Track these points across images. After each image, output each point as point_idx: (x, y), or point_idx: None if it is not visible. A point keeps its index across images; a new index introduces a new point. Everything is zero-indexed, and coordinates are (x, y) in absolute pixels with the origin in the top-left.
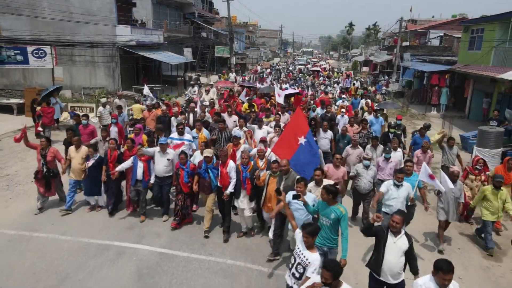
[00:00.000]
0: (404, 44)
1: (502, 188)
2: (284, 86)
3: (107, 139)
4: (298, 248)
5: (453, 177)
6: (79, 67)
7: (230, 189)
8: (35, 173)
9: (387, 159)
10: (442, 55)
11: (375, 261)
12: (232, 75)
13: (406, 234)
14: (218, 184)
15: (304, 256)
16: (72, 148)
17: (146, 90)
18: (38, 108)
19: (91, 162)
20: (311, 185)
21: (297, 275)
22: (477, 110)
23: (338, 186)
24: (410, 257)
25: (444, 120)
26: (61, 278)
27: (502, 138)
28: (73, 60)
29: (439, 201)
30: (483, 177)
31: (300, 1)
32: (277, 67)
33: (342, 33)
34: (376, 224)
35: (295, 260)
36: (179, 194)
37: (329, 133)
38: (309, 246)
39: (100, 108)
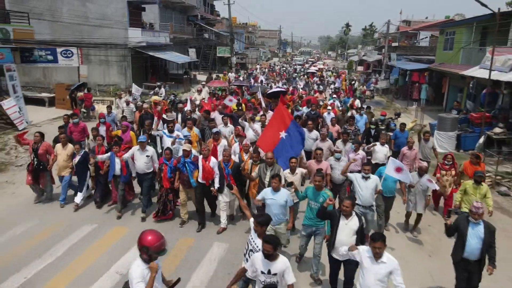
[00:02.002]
0: (394, 44)
1: (482, 183)
2: (275, 85)
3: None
4: (251, 236)
5: (421, 172)
6: (94, 66)
7: (216, 184)
8: (27, 165)
9: (354, 151)
10: (429, 55)
11: (330, 241)
12: (231, 75)
13: (357, 215)
14: (200, 180)
15: (255, 244)
16: (59, 145)
17: (134, 88)
18: (80, 94)
19: (77, 159)
20: (286, 172)
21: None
22: (453, 104)
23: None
24: (360, 234)
25: (417, 111)
26: (106, 220)
27: (457, 123)
28: (89, 60)
29: (408, 193)
30: (453, 172)
31: (300, 1)
32: (275, 67)
33: (341, 33)
34: (327, 206)
35: (248, 247)
36: (162, 188)
37: (314, 133)
38: (260, 235)
39: (124, 105)
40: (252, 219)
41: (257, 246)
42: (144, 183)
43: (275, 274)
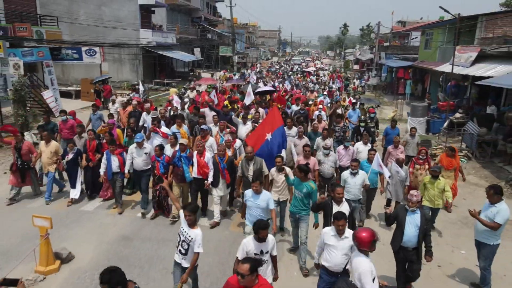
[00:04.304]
0: (386, 44)
1: (439, 178)
2: (271, 84)
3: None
4: (182, 228)
5: (399, 164)
6: (109, 64)
7: (210, 178)
8: (10, 165)
9: (346, 147)
10: (417, 54)
11: (325, 227)
12: (226, 74)
13: (347, 201)
14: (196, 175)
15: (188, 234)
16: (42, 143)
17: (141, 86)
18: (101, 86)
19: (70, 156)
20: (273, 171)
21: (183, 251)
22: (434, 97)
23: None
24: (351, 218)
25: (397, 103)
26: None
27: (426, 111)
28: (104, 58)
29: (388, 183)
30: (427, 166)
31: (300, 3)
32: (274, 66)
33: (340, 33)
34: (320, 203)
35: (180, 238)
36: (157, 185)
37: (294, 130)
38: (191, 224)
39: (110, 104)
40: (182, 211)
41: (190, 236)
42: (142, 179)
43: (267, 252)
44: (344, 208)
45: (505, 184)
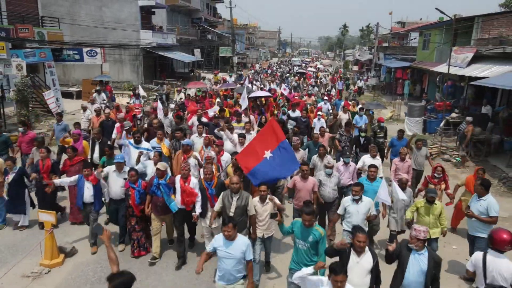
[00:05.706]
0: (385, 45)
1: (436, 202)
2: (267, 86)
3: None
4: None
5: (402, 185)
6: (109, 65)
7: (198, 209)
8: None
9: (346, 164)
10: (416, 54)
11: None
12: (221, 74)
13: (370, 251)
14: (179, 205)
15: None
16: None
17: (141, 91)
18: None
19: (11, 177)
20: (255, 200)
21: None
22: (431, 97)
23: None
24: (375, 272)
25: (394, 103)
26: None
27: (423, 110)
28: (104, 59)
29: (390, 210)
30: (443, 186)
31: (300, 2)
32: (273, 67)
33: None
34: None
35: None
36: (132, 218)
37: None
38: None
39: (81, 112)
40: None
41: None
42: (120, 210)
43: None
44: (366, 260)
45: (498, 182)
